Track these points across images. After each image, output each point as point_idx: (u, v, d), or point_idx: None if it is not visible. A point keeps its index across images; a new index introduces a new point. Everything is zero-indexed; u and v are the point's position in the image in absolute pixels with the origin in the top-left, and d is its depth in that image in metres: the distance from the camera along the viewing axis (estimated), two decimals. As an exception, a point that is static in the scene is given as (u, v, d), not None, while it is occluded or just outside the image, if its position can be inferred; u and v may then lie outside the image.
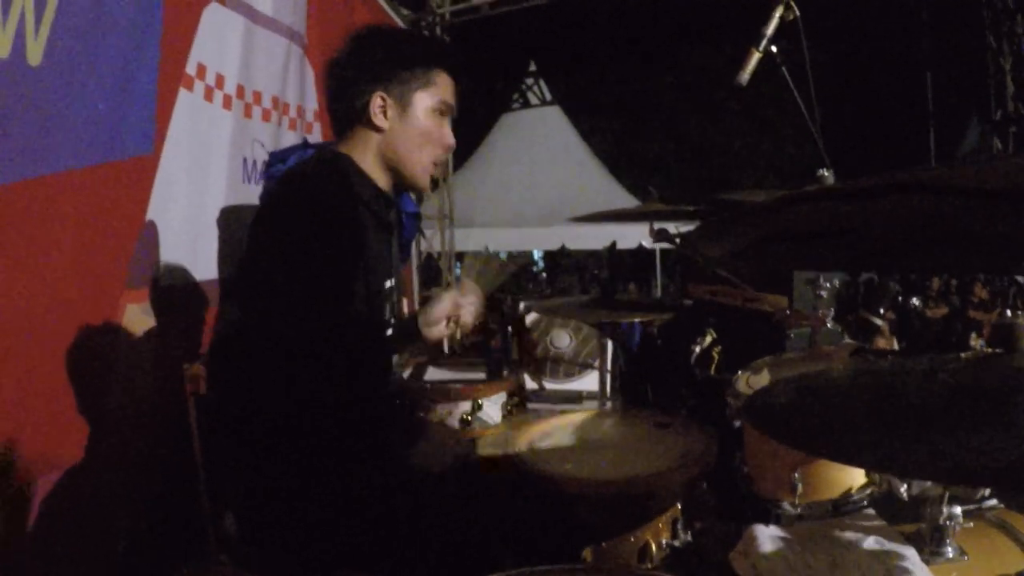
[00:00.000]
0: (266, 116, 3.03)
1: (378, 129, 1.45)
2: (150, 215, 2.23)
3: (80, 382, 1.90)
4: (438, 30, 6.95)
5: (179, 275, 2.37)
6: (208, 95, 2.61)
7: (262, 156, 2.93)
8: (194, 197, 2.48)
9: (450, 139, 1.52)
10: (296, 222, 1.29)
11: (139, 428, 2.14)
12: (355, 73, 1.45)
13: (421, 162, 1.49)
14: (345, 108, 1.47)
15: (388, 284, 1.54)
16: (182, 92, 2.43)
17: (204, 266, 2.50)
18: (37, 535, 1.79)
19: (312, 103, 3.76)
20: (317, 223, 1.29)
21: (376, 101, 1.43)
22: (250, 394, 1.26)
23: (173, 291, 2.32)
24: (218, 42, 2.64)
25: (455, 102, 1.51)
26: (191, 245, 2.44)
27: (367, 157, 1.48)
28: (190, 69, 2.49)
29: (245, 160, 2.84)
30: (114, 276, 2.07)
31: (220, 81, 2.68)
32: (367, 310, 1.40)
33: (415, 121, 1.45)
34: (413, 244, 5.74)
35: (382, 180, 1.51)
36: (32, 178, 1.77)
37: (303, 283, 1.25)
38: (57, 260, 1.86)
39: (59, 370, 1.86)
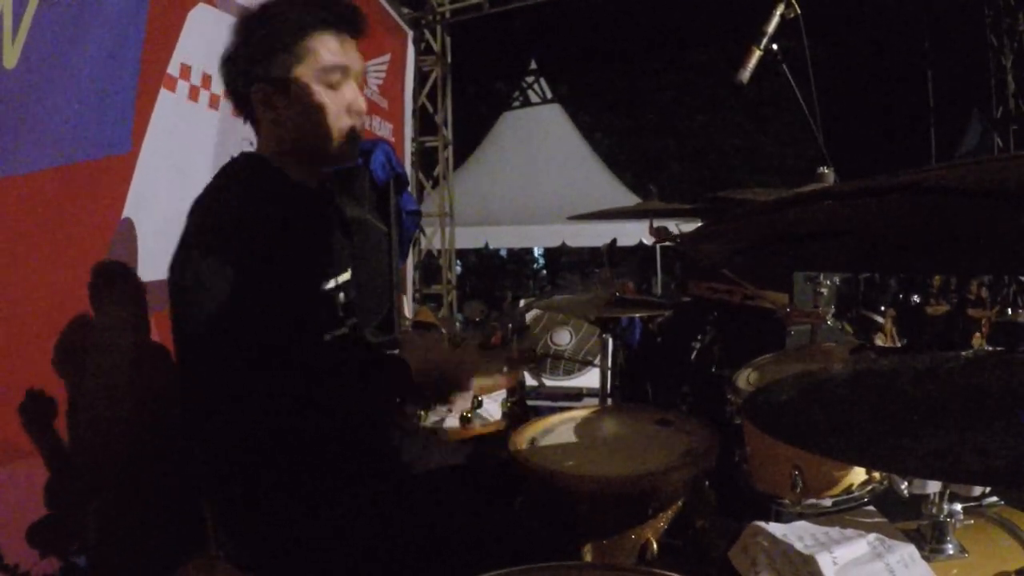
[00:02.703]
0: None
1: (273, 120, 1.37)
2: (127, 213, 2.25)
3: (56, 378, 1.91)
4: (439, 29, 6.95)
5: (157, 271, 2.40)
6: (193, 95, 2.63)
7: None
8: (174, 196, 2.50)
9: (351, 100, 1.38)
10: (204, 241, 1.26)
11: (126, 425, 2.15)
12: (231, 71, 1.38)
13: (324, 138, 1.37)
14: (238, 104, 1.41)
15: (333, 283, 1.44)
16: (163, 92, 2.45)
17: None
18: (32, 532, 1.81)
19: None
20: (218, 240, 1.24)
21: (257, 96, 1.34)
22: (211, 414, 1.23)
23: (150, 287, 2.35)
24: (206, 42, 2.65)
25: (347, 59, 1.37)
26: (169, 243, 2.47)
27: (278, 150, 1.40)
28: (172, 70, 2.51)
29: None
30: (88, 272, 2.09)
31: (207, 81, 2.69)
32: (299, 315, 1.29)
33: (302, 102, 1.34)
34: (413, 242, 5.74)
35: (300, 171, 1.41)
36: (2, 177, 1.78)
37: (222, 301, 1.19)
38: (30, 256, 1.88)
39: (33, 366, 1.88)
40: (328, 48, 1.34)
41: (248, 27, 1.36)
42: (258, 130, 1.42)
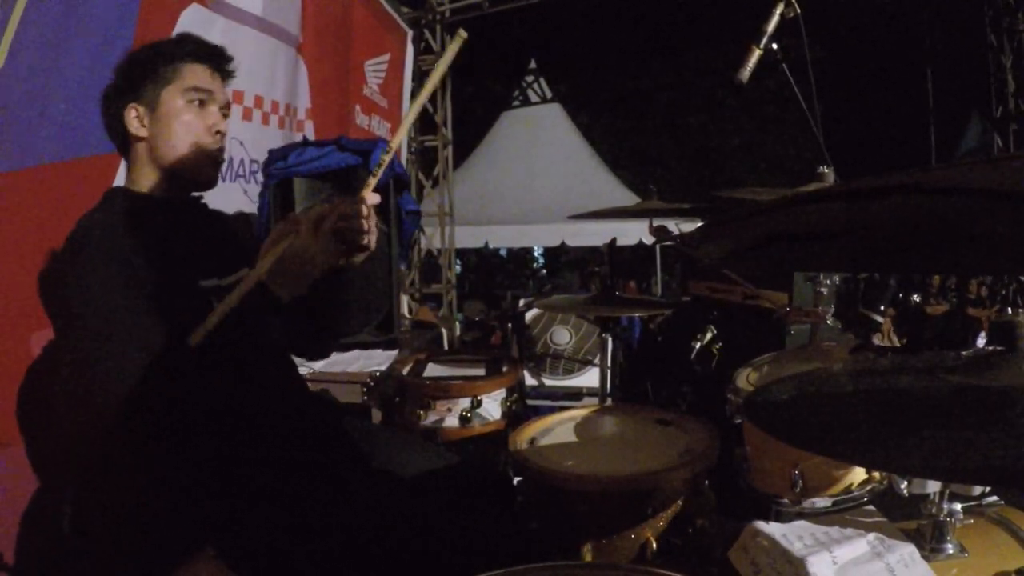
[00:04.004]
0: (247, 115, 3.06)
1: (143, 139, 1.46)
2: None
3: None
4: (438, 28, 6.95)
5: None
6: None
7: (240, 154, 2.97)
8: None
9: (212, 121, 1.49)
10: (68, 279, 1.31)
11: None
12: (110, 99, 1.48)
13: (188, 155, 1.47)
14: (114, 135, 1.50)
15: (213, 282, 1.46)
16: None
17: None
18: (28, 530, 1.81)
19: (304, 102, 3.77)
20: (78, 261, 1.30)
21: (130, 114, 1.45)
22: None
23: None
24: None
25: (214, 87, 1.50)
26: None
27: (142, 174, 1.48)
28: None
29: None
30: None
31: None
32: (172, 315, 1.31)
33: (168, 117, 1.45)
34: (413, 242, 5.74)
35: (163, 189, 1.49)
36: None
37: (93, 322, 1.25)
38: (13, 252, 1.89)
39: (15, 361, 1.89)
40: (196, 73, 1.47)
41: (126, 61, 1.48)
42: (129, 161, 1.50)
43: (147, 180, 1.49)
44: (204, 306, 1.38)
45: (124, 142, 1.49)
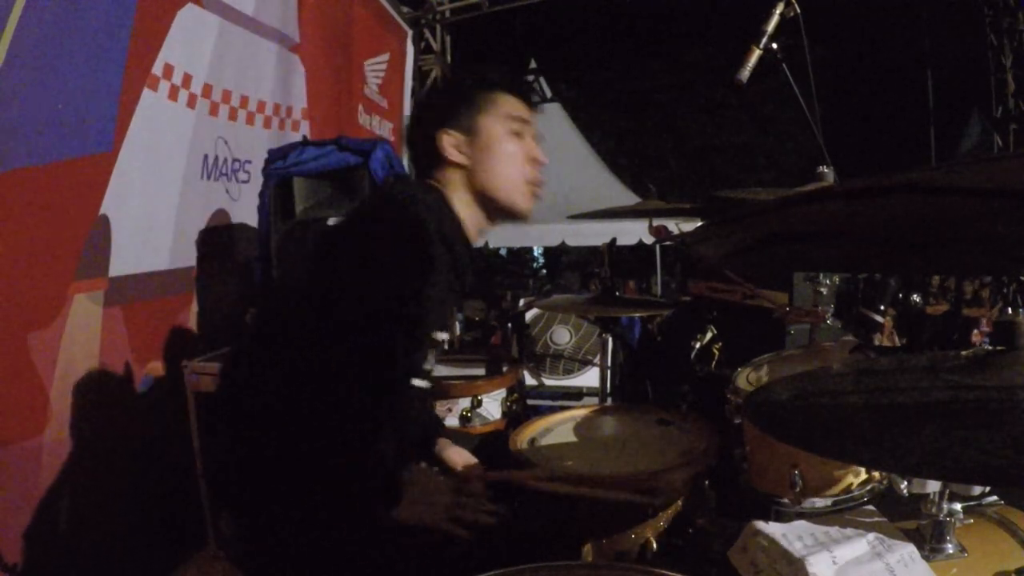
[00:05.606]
0: (232, 115, 3.06)
1: (459, 166, 1.44)
2: (104, 209, 2.30)
3: (23, 371, 1.94)
4: (438, 28, 6.95)
5: (129, 266, 2.45)
6: (173, 94, 2.66)
7: (224, 153, 2.99)
8: (148, 192, 2.56)
9: (534, 152, 1.48)
10: (366, 250, 1.26)
11: (110, 419, 2.17)
12: (419, 117, 1.49)
13: (510, 184, 1.45)
14: (421, 152, 1.48)
15: (439, 336, 1.47)
16: (146, 92, 2.50)
17: (154, 257, 2.60)
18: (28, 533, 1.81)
19: (300, 102, 3.76)
20: (384, 257, 1.25)
21: (445, 139, 1.42)
22: (263, 407, 1.22)
23: (123, 280, 2.40)
24: (190, 42, 2.68)
25: (528, 117, 1.49)
26: (143, 237, 2.53)
27: (458, 195, 1.45)
28: (157, 70, 2.55)
29: (206, 157, 2.90)
30: (63, 267, 2.12)
31: (187, 80, 2.72)
32: (401, 357, 1.32)
33: (490, 145, 1.43)
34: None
35: (474, 219, 1.47)
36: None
37: (345, 312, 1.21)
38: (11, 252, 1.90)
39: (9, 358, 1.90)
40: (512, 103, 1.46)
41: (437, 85, 1.46)
42: (436, 176, 1.47)
43: (458, 203, 1.45)
44: (422, 355, 1.41)
45: (431, 164, 1.46)
